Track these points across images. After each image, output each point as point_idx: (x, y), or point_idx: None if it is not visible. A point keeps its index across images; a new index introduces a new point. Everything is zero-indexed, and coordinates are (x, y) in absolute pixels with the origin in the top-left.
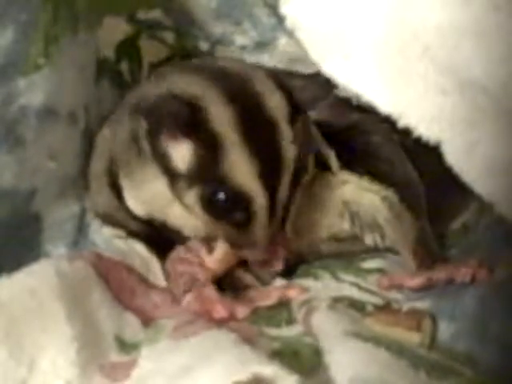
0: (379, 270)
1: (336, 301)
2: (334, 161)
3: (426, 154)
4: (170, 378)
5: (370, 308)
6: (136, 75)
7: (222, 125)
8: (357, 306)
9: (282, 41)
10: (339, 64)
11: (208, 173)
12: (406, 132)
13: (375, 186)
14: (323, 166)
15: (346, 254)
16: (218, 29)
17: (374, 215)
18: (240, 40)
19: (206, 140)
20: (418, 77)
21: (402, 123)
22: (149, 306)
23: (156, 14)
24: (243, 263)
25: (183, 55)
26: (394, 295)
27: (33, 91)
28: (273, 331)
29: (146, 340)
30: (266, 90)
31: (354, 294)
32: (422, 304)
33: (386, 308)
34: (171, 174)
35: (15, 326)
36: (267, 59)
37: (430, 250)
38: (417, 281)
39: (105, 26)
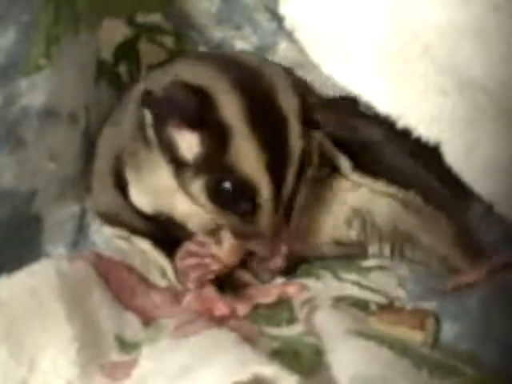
0: (380, 268)
1: (339, 300)
2: (345, 163)
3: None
4: (170, 378)
5: (373, 307)
6: (134, 77)
7: (231, 115)
8: (360, 304)
9: (283, 45)
10: (339, 64)
11: (215, 163)
12: (406, 132)
13: (392, 189)
14: (334, 169)
15: (347, 256)
16: (218, 33)
17: (395, 224)
18: (240, 45)
19: (213, 130)
20: (417, 77)
21: (401, 123)
22: (149, 305)
23: (156, 18)
24: (242, 263)
25: None
26: (396, 294)
27: (34, 92)
28: (273, 330)
29: (146, 340)
30: (279, 84)
31: (356, 292)
32: (426, 304)
33: (389, 307)
34: (177, 164)
35: (15, 325)
36: None
37: (474, 243)
38: (478, 274)
39: (104, 28)
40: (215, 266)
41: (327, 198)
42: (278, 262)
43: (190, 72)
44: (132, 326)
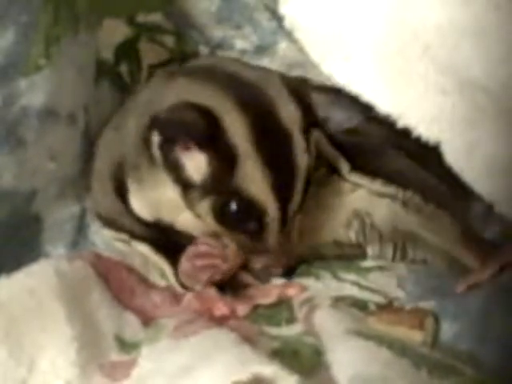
0: (380, 268)
1: (338, 300)
2: (343, 164)
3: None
4: (169, 378)
5: (372, 307)
6: (135, 77)
7: (237, 136)
8: (359, 304)
9: (282, 45)
10: (339, 64)
11: (222, 184)
12: (406, 133)
13: (390, 189)
14: (333, 171)
15: (346, 256)
16: (218, 33)
17: (395, 224)
18: (240, 44)
19: (221, 152)
20: (418, 77)
21: (401, 123)
22: (149, 305)
23: (156, 18)
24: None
25: (183, 59)
26: (396, 294)
27: (33, 92)
28: (273, 330)
29: (145, 339)
30: (280, 100)
31: (355, 293)
32: (426, 303)
33: (388, 307)
34: (184, 184)
35: (15, 325)
36: (267, 63)
37: (481, 241)
38: (489, 271)
39: (104, 28)
40: (224, 266)
41: (326, 199)
42: (277, 272)
43: (193, 91)
44: (132, 325)
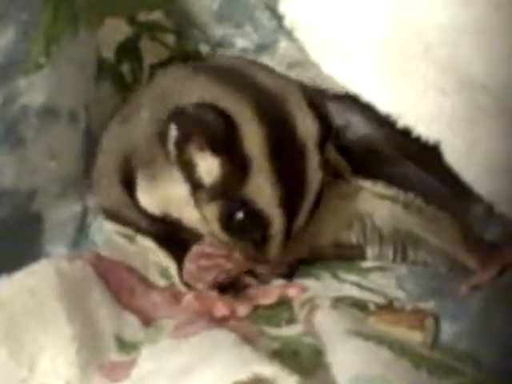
0: (380, 269)
1: (338, 300)
2: (346, 167)
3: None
4: (169, 378)
5: (372, 307)
6: (137, 76)
7: (253, 147)
8: (359, 305)
9: (283, 44)
10: (339, 63)
11: (230, 191)
12: (406, 132)
13: (392, 191)
14: (335, 174)
15: (346, 257)
16: (218, 31)
17: (396, 226)
18: (241, 42)
19: (234, 159)
20: (418, 76)
21: (401, 123)
22: (149, 305)
23: (157, 16)
24: None
25: (184, 57)
26: (396, 294)
27: (34, 91)
28: (273, 331)
29: (145, 340)
30: (299, 112)
31: (356, 293)
32: (426, 304)
33: (388, 307)
34: (194, 184)
35: (15, 325)
36: (267, 62)
37: (482, 242)
38: (490, 273)
39: (105, 27)
40: (229, 266)
41: (329, 202)
42: (277, 276)
43: (217, 93)
44: (131, 326)
